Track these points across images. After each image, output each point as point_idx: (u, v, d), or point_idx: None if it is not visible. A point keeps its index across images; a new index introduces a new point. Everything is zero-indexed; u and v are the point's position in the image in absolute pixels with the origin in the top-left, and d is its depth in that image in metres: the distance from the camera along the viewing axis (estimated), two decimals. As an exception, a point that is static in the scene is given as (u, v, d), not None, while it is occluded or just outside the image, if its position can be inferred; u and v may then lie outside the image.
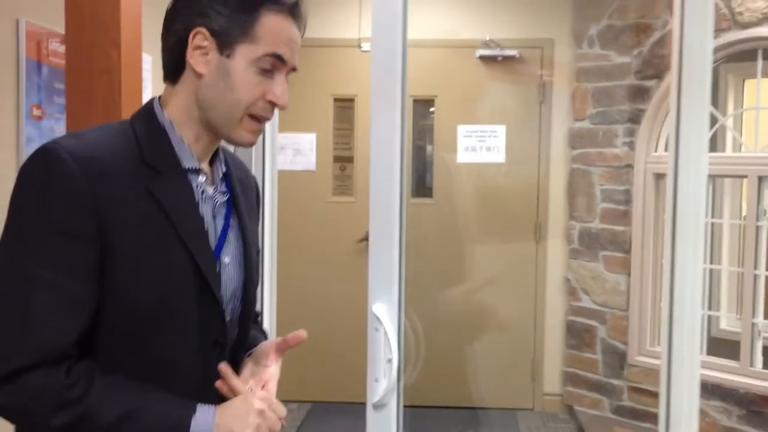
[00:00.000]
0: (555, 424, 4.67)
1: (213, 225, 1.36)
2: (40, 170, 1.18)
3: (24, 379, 1.16)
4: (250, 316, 1.47)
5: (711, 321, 4.53)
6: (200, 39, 1.29)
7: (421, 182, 5.02)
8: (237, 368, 1.41)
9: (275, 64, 1.31)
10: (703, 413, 4.09)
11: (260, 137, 1.76)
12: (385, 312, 1.62)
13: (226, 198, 1.40)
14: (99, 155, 1.22)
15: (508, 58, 4.80)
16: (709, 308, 4.43)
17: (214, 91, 1.31)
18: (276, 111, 1.42)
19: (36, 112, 2.82)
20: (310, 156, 4.90)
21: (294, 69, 1.36)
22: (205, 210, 1.35)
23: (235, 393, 1.33)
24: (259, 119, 1.34)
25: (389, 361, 1.62)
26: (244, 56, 1.29)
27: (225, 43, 1.29)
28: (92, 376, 1.20)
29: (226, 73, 1.30)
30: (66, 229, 1.17)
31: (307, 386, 4.81)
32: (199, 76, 1.31)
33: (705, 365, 4.08)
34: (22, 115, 2.74)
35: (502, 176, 4.83)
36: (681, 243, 1.55)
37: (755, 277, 3.92)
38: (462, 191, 4.89)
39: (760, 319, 3.95)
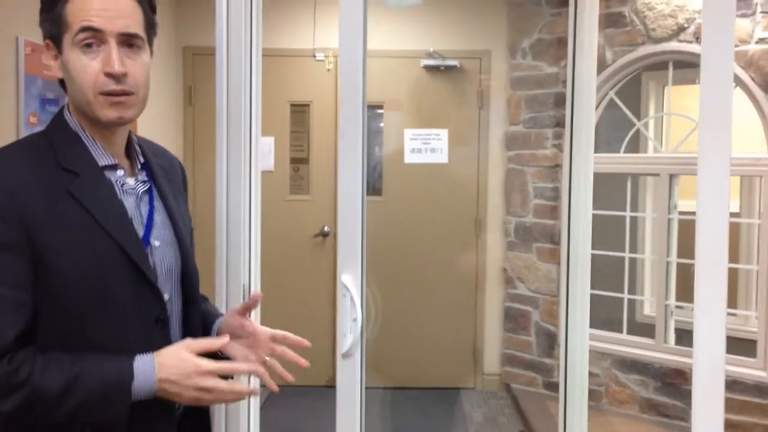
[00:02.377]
0: (494, 400, 5.11)
1: (138, 213, 1.45)
2: None
3: None
4: (192, 289, 1.56)
5: (636, 306, 5.00)
6: (48, 49, 1.40)
7: (371, 182, 5.40)
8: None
9: (93, 36, 1.34)
10: (623, 385, 4.60)
11: (247, 145, 2.16)
12: (351, 281, 2.04)
13: (147, 186, 1.49)
14: (15, 172, 1.31)
15: (450, 68, 5.21)
16: (633, 294, 4.90)
17: (68, 87, 1.39)
18: (255, 115, 1.75)
19: (32, 119, 3.14)
20: (269, 157, 5.24)
21: (131, 36, 1.37)
22: (128, 201, 1.43)
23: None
24: (110, 93, 1.36)
25: (354, 320, 2.03)
26: (68, 45, 1.35)
27: (57, 43, 1.37)
28: (33, 357, 1.28)
29: (66, 68, 1.37)
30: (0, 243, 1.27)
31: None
32: (61, 80, 1.41)
33: (625, 343, 4.59)
34: (21, 122, 3.06)
35: (445, 175, 5.25)
36: (574, 232, 2.02)
37: (667, 263, 4.43)
38: (409, 189, 5.30)
39: (672, 301, 4.46)
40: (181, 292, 1.54)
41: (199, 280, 1.62)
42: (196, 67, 5.18)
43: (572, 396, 2.42)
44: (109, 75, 1.35)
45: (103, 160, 1.41)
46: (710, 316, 1.61)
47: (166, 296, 1.47)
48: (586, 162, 2.09)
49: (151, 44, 1.45)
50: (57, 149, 1.37)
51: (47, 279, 1.30)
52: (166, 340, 1.44)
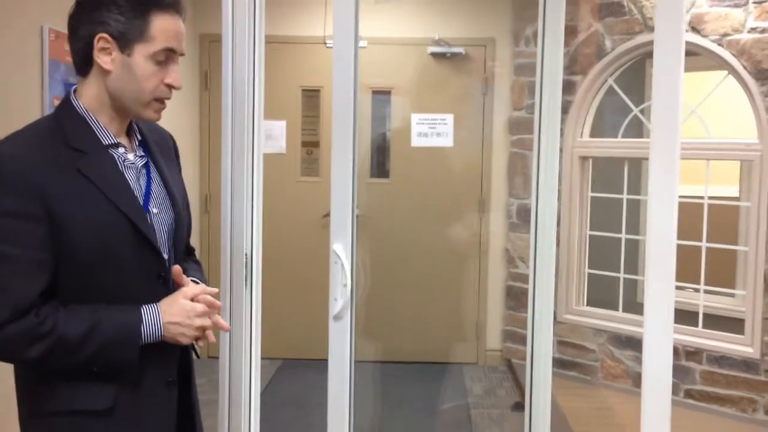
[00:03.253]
0: (495, 374, 5.33)
1: (138, 185, 1.63)
2: None
3: (5, 330, 1.44)
4: (180, 248, 1.75)
5: (638, 286, 5.13)
6: (103, 42, 1.53)
7: (380, 165, 5.60)
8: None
9: (168, 55, 1.58)
10: (618, 361, 4.79)
11: (250, 124, 2.37)
12: (341, 250, 2.24)
13: (144, 161, 1.68)
14: (31, 152, 1.49)
15: (455, 55, 5.40)
16: (634, 274, 5.05)
17: (120, 83, 1.56)
18: (257, 100, 1.96)
19: (56, 102, 3.37)
20: (281, 141, 5.47)
21: (182, 54, 1.64)
22: (129, 174, 1.62)
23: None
24: (162, 100, 1.62)
25: (345, 285, 2.23)
26: (141, 53, 1.54)
27: (124, 44, 1.54)
28: (56, 310, 1.49)
29: (128, 68, 1.55)
30: (17, 213, 1.46)
31: (278, 345, 5.38)
32: (106, 72, 1.56)
33: (620, 320, 4.77)
34: (46, 105, 3.29)
35: (451, 159, 5.45)
36: (541, 212, 2.21)
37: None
38: (416, 172, 5.50)
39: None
40: (175, 253, 1.73)
41: (190, 235, 1.84)
42: (212, 53, 5.40)
43: (537, 365, 2.62)
44: (170, 86, 1.60)
45: (106, 140, 1.60)
46: (659, 289, 1.80)
47: (165, 256, 1.66)
48: (553, 146, 2.28)
49: None
50: (66, 131, 1.55)
51: (63, 243, 1.49)
52: (167, 294, 1.64)
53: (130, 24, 1.53)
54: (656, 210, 1.83)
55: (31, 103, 3.22)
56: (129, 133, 1.69)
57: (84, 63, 1.58)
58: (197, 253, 2.09)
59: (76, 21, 1.58)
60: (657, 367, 1.87)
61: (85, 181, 1.52)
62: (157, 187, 1.69)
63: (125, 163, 1.62)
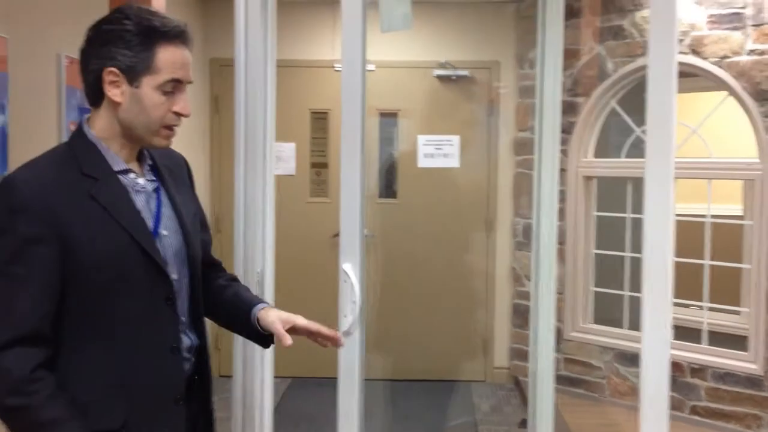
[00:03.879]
0: (502, 392, 5.39)
1: (148, 208, 1.68)
2: (5, 199, 1.54)
3: (2, 355, 1.49)
4: (195, 266, 1.79)
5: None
6: (112, 76, 1.60)
7: (388, 185, 5.70)
8: (197, 313, 1.81)
9: (175, 85, 1.64)
10: (624, 378, 4.84)
11: (261, 149, 2.46)
12: (350, 269, 2.33)
13: (155, 185, 1.74)
14: (46, 179, 1.56)
15: (461, 77, 5.51)
16: (638, 291, 5.11)
17: (130, 114, 1.62)
18: (269, 124, 2.05)
19: (72, 127, 3.47)
20: (291, 162, 5.57)
21: (189, 82, 1.68)
22: (139, 199, 1.67)
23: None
24: (171, 127, 1.67)
25: (354, 302, 2.32)
26: (149, 85, 1.60)
27: (133, 77, 1.60)
28: (50, 383, 1.53)
29: (138, 99, 1.61)
30: (30, 236, 1.52)
31: (288, 363, 5.43)
32: (116, 103, 1.61)
33: (625, 338, 4.83)
34: (63, 130, 3.39)
35: (457, 179, 5.54)
36: (542, 228, 2.30)
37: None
38: (423, 192, 5.59)
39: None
40: (188, 271, 1.78)
41: (210, 252, 1.91)
42: (223, 78, 5.51)
43: (541, 380, 2.69)
44: (179, 114, 1.66)
45: (117, 166, 1.66)
46: (655, 305, 1.89)
47: (174, 276, 1.71)
48: (552, 164, 2.37)
49: None
50: (79, 158, 1.62)
51: (74, 265, 1.55)
52: (173, 315, 1.71)
53: (137, 57, 1.59)
54: (651, 224, 1.92)
55: (50, 128, 3.32)
56: (140, 158, 1.75)
57: (95, 95, 1.65)
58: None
59: (86, 55, 1.65)
60: (654, 371, 1.94)
61: (97, 206, 1.59)
62: (167, 210, 1.75)
63: (135, 188, 1.69)
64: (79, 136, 1.67)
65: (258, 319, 1.85)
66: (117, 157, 1.67)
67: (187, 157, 2.00)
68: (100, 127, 1.66)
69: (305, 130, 5.64)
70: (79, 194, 1.58)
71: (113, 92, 1.61)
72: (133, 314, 1.63)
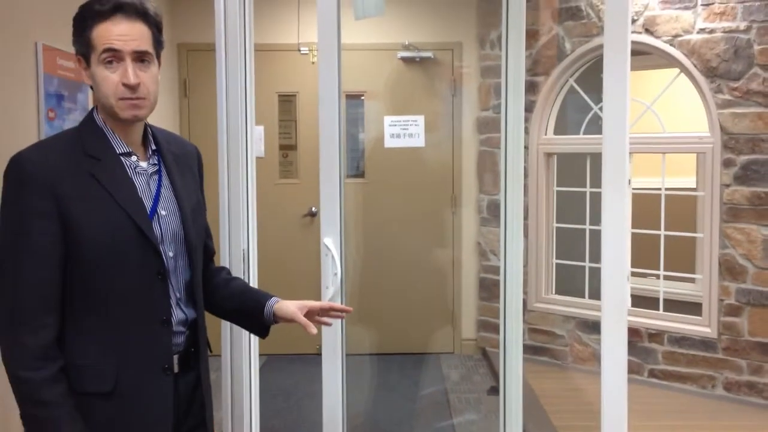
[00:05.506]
0: (470, 362, 5.59)
1: (148, 189, 1.79)
2: (12, 176, 1.67)
3: (17, 328, 1.65)
4: (192, 250, 1.88)
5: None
6: (79, 63, 1.78)
7: (356, 165, 5.81)
8: (194, 290, 1.90)
9: (113, 55, 1.70)
10: (585, 345, 5.07)
11: (243, 132, 2.58)
12: (331, 243, 2.47)
13: (156, 168, 1.85)
14: (50, 157, 1.69)
15: (424, 59, 5.64)
16: (599, 263, 5.33)
17: (98, 93, 1.74)
18: (249, 108, 2.16)
19: (50, 114, 3.55)
20: (260, 145, 5.65)
21: (143, 53, 1.73)
22: (140, 180, 1.78)
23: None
24: (128, 99, 1.72)
25: (335, 274, 2.47)
26: (94, 62, 1.72)
27: (85, 59, 1.75)
28: (58, 363, 1.67)
29: (93, 79, 1.74)
30: (35, 210, 1.65)
31: (262, 341, 5.56)
32: (90, 86, 1.78)
33: (586, 306, 5.05)
34: (41, 116, 3.47)
35: (423, 158, 5.69)
36: (509, 206, 2.46)
37: (624, 233, 4.87)
38: (390, 171, 5.74)
39: (628, 267, 4.91)
40: (185, 250, 1.87)
41: (203, 238, 1.98)
42: (191, 62, 5.58)
43: (510, 348, 2.85)
44: (126, 85, 1.71)
45: (120, 149, 1.77)
46: (612, 270, 2.06)
47: (170, 254, 1.82)
48: (518, 139, 2.54)
49: (158, 57, 1.85)
50: (85, 141, 1.74)
51: (74, 238, 1.67)
52: (165, 289, 1.81)
53: (82, 40, 1.73)
54: (608, 197, 2.09)
55: (29, 114, 3.40)
56: (144, 143, 1.86)
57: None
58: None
59: None
60: (612, 337, 2.12)
61: (96, 184, 1.70)
62: (166, 192, 1.85)
63: (137, 170, 1.79)
64: (88, 120, 1.80)
65: (274, 312, 2.06)
66: (121, 140, 1.78)
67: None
68: (100, 110, 1.80)
69: (273, 113, 5.73)
70: (80, 173, 1.70)
71: (85, 77, 1.78)
72: (125, 287, 1.73)
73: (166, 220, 1.83)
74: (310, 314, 2.02)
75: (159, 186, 1.84)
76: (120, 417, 1.75)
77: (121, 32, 1.71)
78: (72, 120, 3.70)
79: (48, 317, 1.67)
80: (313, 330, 1.95)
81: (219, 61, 2.56)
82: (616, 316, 2.11)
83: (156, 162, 1.86)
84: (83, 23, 1.73)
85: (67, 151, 1.72)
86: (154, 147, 1.88)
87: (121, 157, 1.78)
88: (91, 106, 1.90)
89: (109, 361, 1.73)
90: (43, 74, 3.48)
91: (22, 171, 1.66)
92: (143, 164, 1.82)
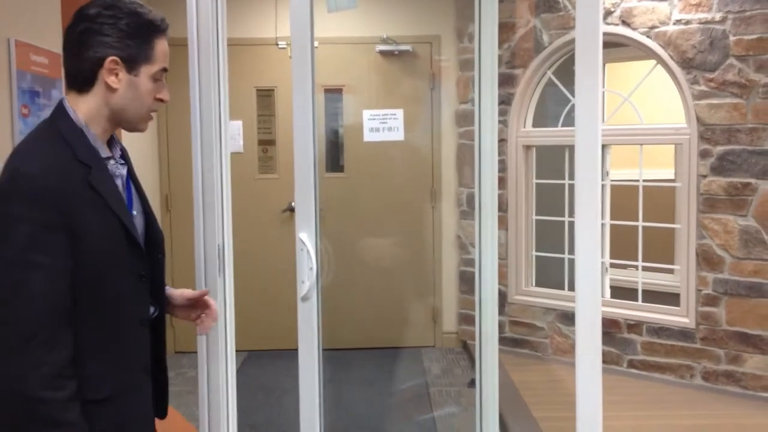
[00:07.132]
0: (452, 355, 5.61)
1: (123, 192, 1.81)
2: (21, 188, 1.60)
3: (33, 346, 1.57)
4: (157, 242, 1.91)
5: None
6: (113, 64, 1.72)
7: (335, 160, 5.82)
8: (159, 286, 1.93)
9: (163, 74, 1.81)
10: (565, 336, 5.09)
11: (216, 127, 2.57)
12: (306, 238, 2.47)
13: (125, 169, 1.86)
14: (52, 169, 1.63)
15: (403, 52, 5.64)
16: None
17: (124, 100, 1.74)
18: (223, 103, 2.18)
19: (24, 110, 3.52)
20: (238, 140, 5.63)
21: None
22: (118, 183, 1.79)
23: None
24: (153, 113, 1.83)
25: (311, 269, 2.46)
26: (145, 74, 1.75)
27: (132, 66, 1.74)
28: (75, 382, 1.63)
29: (134, 87, 1.75)
30: (45, 224, 1.60)
31: (242, 337, 5.56)
32: (112, 90, 1.73)
33: (566, 299, 5.07)
34: (15, 113, 3.43)
35: (402, 152, 5.69)
36: (484, 199, 2.46)
37: (602, 225, 4.90)
38: (369, 166, 5.73)
39: (606, 258, 4.95)
40: (153, 250, 1.90)
41: (163, 238, 2.00)
42: (167, 57, 5.54)
43: (486, 343, 2.86)
44: (161, 101, 1.82)
45: (103, 152, 1.75)
46: (586, 261, 2.07)
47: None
48: (492, 134, 2.53)
49: None
50: (72, 144, 1.69)
51: (77, 246, 1.64)
52: (145, 290, 1.84)
53: (138, 49, 1.74)
54: (582, 188, 2.09)
55: (2, 112, 3.36)
56: (110, 144, 1.83)
57: (87, 81, 1.74)
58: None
59: (82, 44, 1.72)
60: (586, 327, 2.12)
61: (93, 193, 1.68)
62: (134, 192, 1.88)
63: (116, 174, 1.80)
64: (63, 117, 1.74)
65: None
66: (100, 143, 1.76)
67: (135, 138, 2.10)
68: (86, 110, 1.74)
69: (251, 108, 5.71)
70: (78, 182, 1.67)
71: (111, 79, 1.72)
72: (118, 292, 1.74)
73: (137, 220, 1.86)
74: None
75: (129, 187, 1.86)
76: (112, 421, 1.75)
77: (168, 50, 1.82)
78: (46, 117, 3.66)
79: (65, 333, 1.63)
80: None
81: (192, 56, 2.54)
82: (590, 308, 2.11)
83: (123, 162, 1.87)
84: (148, 34, 1.76)
85: (61, 159, 1.67)
86: (121, 147, 1.89)
87: (104, 162, 1.77)
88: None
89: (104, 367, 1.73)
90: (16, 71, 3.44)
91: (35, 185, 1.60)
92: (120, 168, 1.83)
